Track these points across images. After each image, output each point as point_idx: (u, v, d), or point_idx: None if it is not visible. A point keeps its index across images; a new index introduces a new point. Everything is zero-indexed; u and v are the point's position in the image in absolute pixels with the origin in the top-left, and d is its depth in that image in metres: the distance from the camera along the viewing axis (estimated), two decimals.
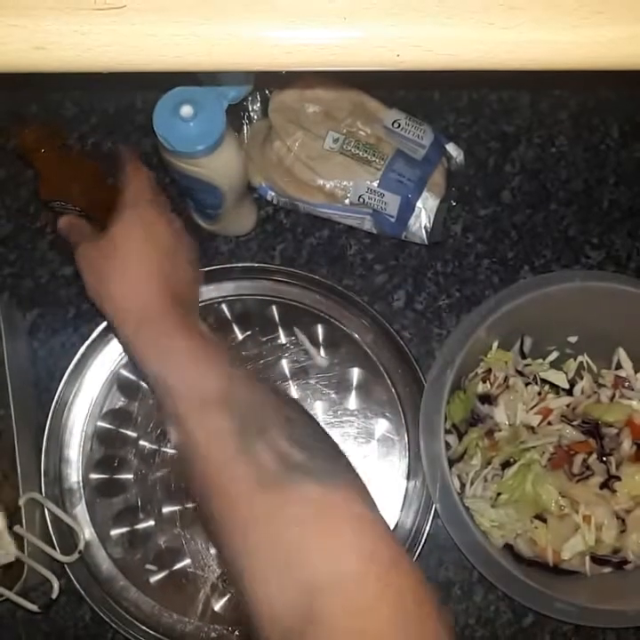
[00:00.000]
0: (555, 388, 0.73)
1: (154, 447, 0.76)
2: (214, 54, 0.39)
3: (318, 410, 0.76)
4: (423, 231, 0.77)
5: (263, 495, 0.44)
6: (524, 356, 0.74)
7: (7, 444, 0.69)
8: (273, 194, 0.79)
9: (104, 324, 0.74)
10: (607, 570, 0.68)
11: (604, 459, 0.69)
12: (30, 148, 0.66)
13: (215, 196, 0.69)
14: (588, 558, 0.67)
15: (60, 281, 0.80)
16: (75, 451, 0.75)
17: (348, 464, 0.49)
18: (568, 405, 0.72)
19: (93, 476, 0.75)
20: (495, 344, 0.72)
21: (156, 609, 0.72)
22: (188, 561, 0.73)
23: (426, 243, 0.78)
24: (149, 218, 0.59)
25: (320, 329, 0.77)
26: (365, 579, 0.41)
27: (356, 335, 0.77)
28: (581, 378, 0.73)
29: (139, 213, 0.59)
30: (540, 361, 0.74)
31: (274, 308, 0.78)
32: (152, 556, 0.73)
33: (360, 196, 0.76)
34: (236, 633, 0.71)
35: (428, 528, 0.70)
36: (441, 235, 0.80)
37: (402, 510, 0.73)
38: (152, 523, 0.74)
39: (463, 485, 0.70)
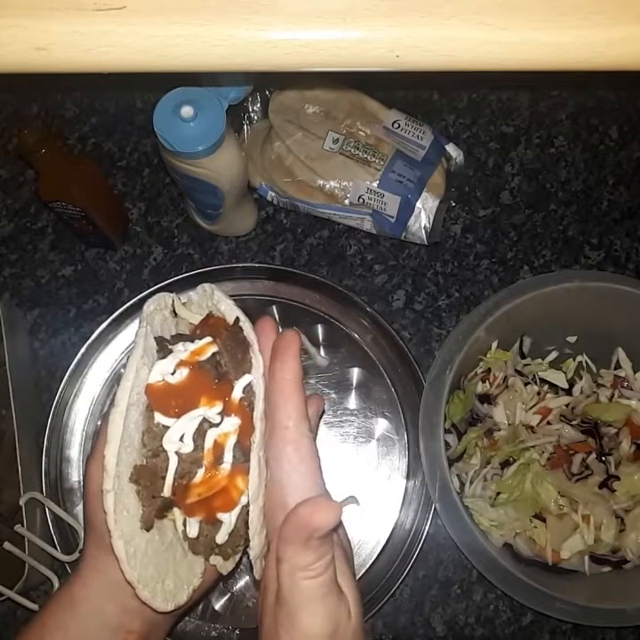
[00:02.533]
0: (554, 387, 0.73)
1: None
2: (214, 55, 0.39)
3: None
4: (423, 231, 0.77)
5: None
6: (523, 356, 0.74)
7: (8, 444, 0.69)
8: (273, 194, 0.79)
9: (105, 323, 0.75)
10: (606, 569, 0.68)
11: (603, 458, 0.69)
12: (31, 149, 0.66)
13: (215, 197, 0.69)
14: (587, 557, 0.68)
15: (60, 281, 0.80)
16: (75, 450, 0.75)
17: None
18: (567, 405, 0.72)
19: None
20: (494, 344, 0.72)
21: None
22: None
23: (425, 243, 0.78)
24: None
25: (320, 329, 0.78)
26: None
27: (356, 335, 0.77)
28: (580, 378, 0.74)
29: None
30: (540, 361, 0.74)
31: (274, 308, 0.78)
32: None
33: (360, 197, 0.76)
34: (237, 632, 0.71)
35: (427, 527, 0.71)
36: (440, 235, 0.80)
37: (401, 510, 0.73)
38: None
39: (463, 485, 0.70)
